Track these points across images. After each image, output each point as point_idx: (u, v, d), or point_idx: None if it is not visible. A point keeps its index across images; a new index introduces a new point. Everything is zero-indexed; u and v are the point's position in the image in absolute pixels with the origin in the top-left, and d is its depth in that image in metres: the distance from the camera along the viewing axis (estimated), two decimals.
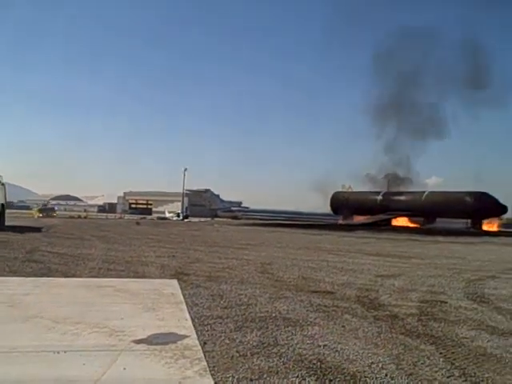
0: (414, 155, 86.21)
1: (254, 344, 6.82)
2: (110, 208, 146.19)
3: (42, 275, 12.94)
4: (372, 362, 6.19)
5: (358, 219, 78.69)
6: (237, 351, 6.44)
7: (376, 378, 5.66)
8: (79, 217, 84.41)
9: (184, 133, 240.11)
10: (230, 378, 5.44)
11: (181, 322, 8.04)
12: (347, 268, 16.88)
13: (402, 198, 75.29)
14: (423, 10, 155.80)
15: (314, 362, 6.13)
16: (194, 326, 7.75)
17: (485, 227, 69.92)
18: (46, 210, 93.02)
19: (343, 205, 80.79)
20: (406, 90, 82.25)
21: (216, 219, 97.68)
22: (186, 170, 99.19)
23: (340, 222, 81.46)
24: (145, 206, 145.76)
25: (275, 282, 12.99)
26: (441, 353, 6.78)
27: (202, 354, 6.22)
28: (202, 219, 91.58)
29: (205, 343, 6.76)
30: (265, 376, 5.53)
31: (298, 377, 5.57)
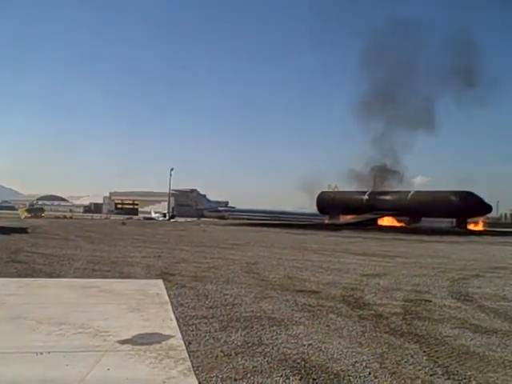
0: (402, 148, 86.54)
1: (239, 344, 6.84)
2: (95, 208, 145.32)
3: (27, 276, 12.88)
4: (356, 361, 6.23)
5: (345, 219, 78.85)
6: (221, 351, 6.45)
7: (359, 376, 5.69)
8: (65, 217, 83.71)
9: (170, 132, 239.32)
10: (214, 378, 5.45)
11: (166, 322, 8.04)
12: (333, 267, 16.93)
13: (388, 197, 75.42)
14: (412, 6, 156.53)
15: (299, 361, 6.15)
16: (178, 326, 7.76)
17: (470, 226, 70.40)
18: (34, 210, 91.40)
19: (329, 204, 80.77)
20: (393, 84, 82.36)
21: (202, 219, 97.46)
22: (172, 170, 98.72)
23: (326, 221, 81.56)
24: (131, 207, 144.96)
25: (261, 282, 13.01)
26: (424, 351, 6.83)
27: (187, 354, 6.23)
28: (189, 219, 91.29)
29: (189, 343, 6.76)
30: (249, 375, 5.55)
31: (282, 376, 5.58)
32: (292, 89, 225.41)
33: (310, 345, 6.93)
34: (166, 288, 11.40)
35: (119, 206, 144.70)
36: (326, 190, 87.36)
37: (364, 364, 6.13)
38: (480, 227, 72.67)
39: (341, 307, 9.90)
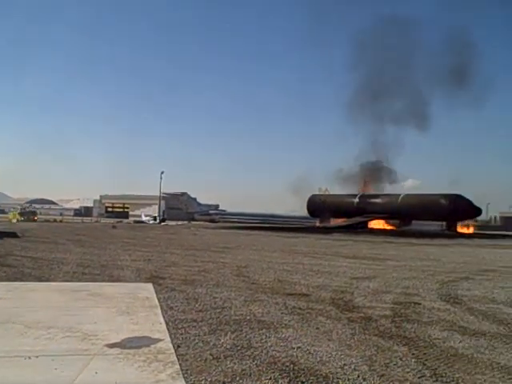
0: (394, 146, 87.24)
1: (228, 347, 6.84)
2: (86, 211, 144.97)
3: (16, 279, 12.82)
4: (345, 364, 6.24)
5: (335, 222, 78.98)
6: (210, 354, 6.45)
7: (348, 379, 5.70)
8: (55, 220, 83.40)
9: (160, 136, 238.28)
10: (203, 381, 5.44)
11: (155, 325, 8.03)
12: (323, 270, 16.96)
13: (378, 200, 75.65)
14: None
15: (287, 364, 6.16)
16: (168, 329, 7.75)
17: (460, 229, 70.73)
18: (27, 214, 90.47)
19: (320, 208, 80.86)
20: (385, 82, 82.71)
21: (193, 222, 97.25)
22: (163, 173, 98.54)
23: (317, 224, 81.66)
24: (121, 210, 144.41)
25: (251, 285, 13.01)
26: (413, 354, 6.86)
27: (176, 358, 6.22)
28: (179, 222, 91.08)
29: (178, 346, 6.76)
30: (237, 379, 5.55)
31: (270, 379, 5.59)
32: (284, 90, 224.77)
33: (299, 348, 6.94)
34: (156, 291, 11.38)
35: (110, 209, 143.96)
36: (317, 193, 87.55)
37: (353, 367, 6.14)
38: (471, 230, 73.04)
39: (330, 310, 9.92)
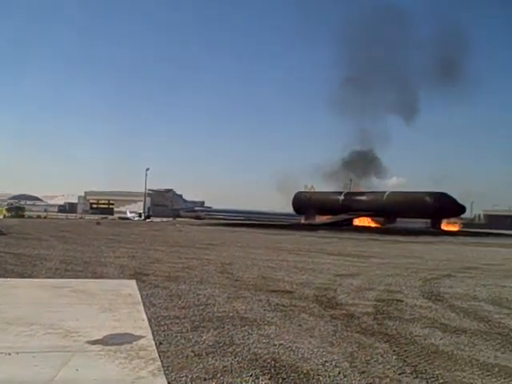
0: (381, 137, 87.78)
1: (210, 344, 6.84)
2: (70, 208, 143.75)
3: None
4: (326, 361, 6.27)
5: (321, 219, 79.20)
6: (192, 351, 6.45)
7: (329, 376, 5.73)
8: (39, 217, 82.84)
9: (145, 132, 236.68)
10: (184, 378, 5.44)
11: (137, 322, 8.01)
12: (307, 267, 17.01)
13: (364, 197, 76.03)
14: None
15: (269, 360, 6.17)
16: (150, 326, 7.74)
17: (444, 227, 71.23)
18: (15, 210, 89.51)
19: (305, 205, 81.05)
20: (374, 72, 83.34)
21: (178, 219, 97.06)
22: (148, 169, 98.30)
23: (302, 221, 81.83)
24: (106, 206, 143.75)
25: (234, 282, 13.02)
26: (394, 350, 6.90)
27: (157, 354, 6.22)
28: (165, 219, 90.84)
29: (160, 343, 6.75)
30: (219, 375, 5.55)
31: (251, 376, 5.60)
32: (274, 88, 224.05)
33: (281, 344, 6.96)
34: (139, 288, 11.35)
35: (94, 205, 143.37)
36: (303, 190, 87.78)
37: (334, 363, 6.17)
38: (456, 228, 73.61)
39: (313, 307, 9.95)
